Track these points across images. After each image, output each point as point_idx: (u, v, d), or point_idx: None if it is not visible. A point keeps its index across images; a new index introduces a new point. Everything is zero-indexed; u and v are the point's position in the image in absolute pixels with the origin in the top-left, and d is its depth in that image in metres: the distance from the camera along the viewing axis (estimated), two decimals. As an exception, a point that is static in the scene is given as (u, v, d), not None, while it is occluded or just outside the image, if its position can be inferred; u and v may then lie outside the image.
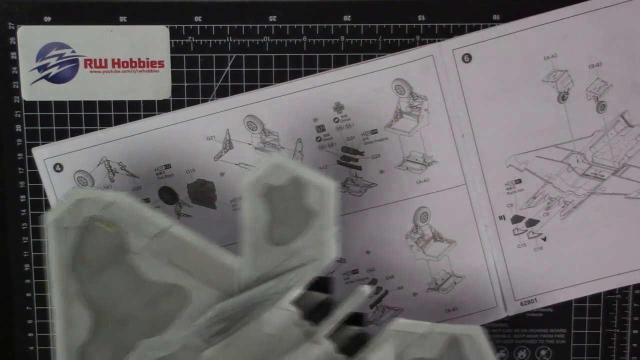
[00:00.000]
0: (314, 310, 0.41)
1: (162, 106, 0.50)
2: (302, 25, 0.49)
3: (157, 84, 0.49)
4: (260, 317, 0.39)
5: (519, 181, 0.50)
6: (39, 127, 0.50)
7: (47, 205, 0.50)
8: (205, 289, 0.41)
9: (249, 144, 0.49)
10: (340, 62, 0.49)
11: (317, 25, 0.49)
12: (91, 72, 0.49)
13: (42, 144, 0.49)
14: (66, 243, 0.41)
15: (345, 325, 0.41)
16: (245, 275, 0.41)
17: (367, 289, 0.41)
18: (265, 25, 0.49)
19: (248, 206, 0.41)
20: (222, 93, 0.49)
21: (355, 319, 0.42)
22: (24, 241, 0.50)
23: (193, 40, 0.49)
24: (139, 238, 0.41)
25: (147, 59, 0.49)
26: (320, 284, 0.41)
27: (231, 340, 0.39)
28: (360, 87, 0.49)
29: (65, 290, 0.41)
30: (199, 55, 0.49)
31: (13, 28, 0.49)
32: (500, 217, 0.50)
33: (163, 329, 0.41)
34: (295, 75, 0.49)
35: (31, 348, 0.51)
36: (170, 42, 0.49)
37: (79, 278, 0.41)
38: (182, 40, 0.49)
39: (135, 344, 0.41)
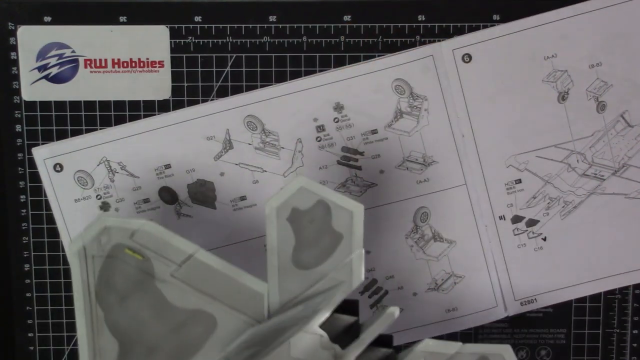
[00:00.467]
0: (342, 333, 0.41)
1: (162, 106, 0.50)
2: (302, 25, 0.49)
3: (157, 84, 0.49)
4: (288, 341, 0.39)
5: (519, 181, 0.50)
6: (39, 127, 0.50)
7: (47, 205, 0.50)
8: (232, 314, 0.41)
9: (249, 144, 0.49)
10: (340, 62, 0.49)
11: (317, 25, 0.49)
12: (91, 72, 0.49)
13: (42, 144, 0.49)
14: (93, 272, 0.41)
15: (373, 347, 0.41)
16: (272, 299, 0.41)
17: (395, 311, 0.40)
18: (265, 25, 0.49)
19: (274, 230, 0.40)
20: (222, 93, 0.49)
21: (382, 340, 0.41)
22: (24, 241, 0.50)
23: (193, 40, 0.49)
24: (165, 265, 0.41)
25: (147, 59, 0.49)
26: (346, 306, 0.41)
27: None
28: (360, 87, 0.49)
29: (91, 320, 0.41)
30: (199, 55, 0.49)
31: (13, 28, 0.49)
32: (500, 217, 0.50)
33: (190, 356, 0.40)
34: (295, 75, 0.49)
35: (31, 348, 0.51)
36: (170, 42, 0.49)
37: (104, 306, 0.41)
38: (182, 40, 0.49)
39: None
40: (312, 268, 0.40)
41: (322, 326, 0.39)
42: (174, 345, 0.41)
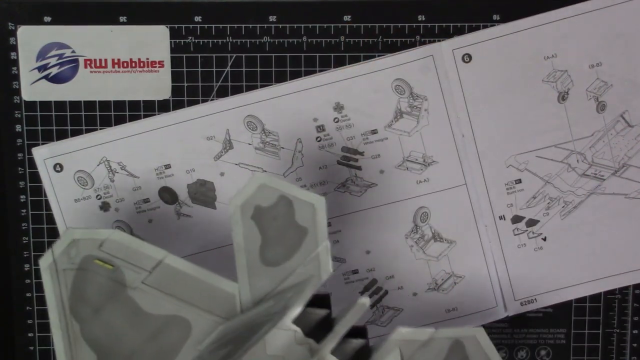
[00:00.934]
0: (315, 327, 0.41)
1: (162, 106, 0.50)
2: (302, 25, 0.49)
3: (157, 84, 0.49)
4: (262, 339, 0.39)
5: (519, 181, 0.50)
6: (39, 127, 0.50)
7: (47, 205, 0.50)
8: (206, 317, 0.41)
9: (249, 144, 0.49)
10: (340, 62, 0.49)
11: (317, 25, 0.49)
12: (91, 72, 0.49)
13: (42, 144, 0.49)
14: (65, 285, 0.41)
15: (348, 339, 0.41)
16: (244, 299, 0.41)
17: (366, 301, 0.40)
18: (265, 25, 0.49)
19: (239, 229, 0.40)
20: (222, 93, 0.49)
21: (356, 331, 0.42)
22: (24, 241, 0.50)
23: (193, 40, 0.49)
24: (135, 272, 0.41)
25: (147, 59, 0.49)
26: (318, 300, 0.41)
27: None
28: (360, 87, 0.49)
29: (67, 334, 0.41)
30: (199, 55, 0.49)
31: (13, 28, 0.49)
32: (500, 217, 0.50)
33: None
34: (295, 75, 0.49)
35: (31, 348, 0.51)
36: (170, 42, 0.49)
37: (79, 319, 0.41)
38: (182, 40, 0.49)
39: None
40: (280, 264, 0.40)
41: (296, 322, 0.39)
42: (151, 353, 0.41)
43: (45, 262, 0.41)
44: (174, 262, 0.41)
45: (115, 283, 0.41)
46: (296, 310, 0.39)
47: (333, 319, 0.41)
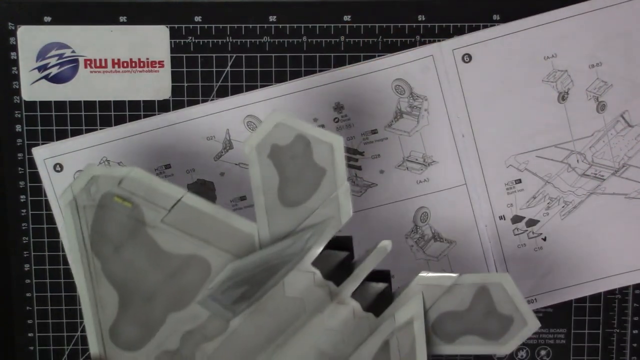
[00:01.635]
0: (335, 270, 0.40)
1: (162, 106, 0.50)
2: (302, 25, 0.49)
3: (157, 84, 0.49)
4: (281, 280, 0.39)
5: (519, 181, 0.50)
6: (39, 127, 0.50)
7: (47, 206, 0.50)
8: (225, 257, 0.40)
9: (249, 144, 0.49)
10: (340, 62, 0.49)
11: (317, 25, 0.49)
12: (91, 72, 0.49)
13: (42, 144, 0.49)
14: (85, 222, 0.40)
15: (369, 283, 0.40)
16: (263, 239, 0.40)
17: (388, 244, 0.40)
18: (265, 25, 0.49)
19: (256, 169, 0.40)
20: (222, 93, 0.49)
21: (378, 276, 0.41)
22: (24, 241, 0.50)
23: (193, 40, 0.49)
24: (154, 211, 0.40)
25: (147, 59, 0.49)
26: (338, 243, 0.41)
27: (256, 306, 0.39)
28: (360, 87, 0.49)
29: (89, 271, 0.41)
30: (199, 55, 0.49)
31: (13, 28, 0.49)
32: (500, 217, 0.50)
33: (189, 301, 0.40)
34: (295, 75, 0.49)
35: (31, 348, 0.51)
36: (170, 42, 0.49)
37: (100, 256, 0.41)
38: (182, 40, 0.49)
39: (163, 318, 0.40)
40: (299, 205, 0.40)
41: (315, 264, 0.39)
42: (171, 292, 0.40)
43: (65, 198, 0.40)
44: (193, 200, 0.40)
45: (134, 221, 0.40)
46: (315, 252, 0.39)
47: (354, 262, 0.41)
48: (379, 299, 0.41)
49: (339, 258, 0.41)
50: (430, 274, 0.40)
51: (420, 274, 0.40)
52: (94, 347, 0.41)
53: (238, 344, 0.40)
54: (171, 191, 0.40)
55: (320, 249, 0.39)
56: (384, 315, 0.40)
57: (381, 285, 0.41)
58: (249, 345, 0.40)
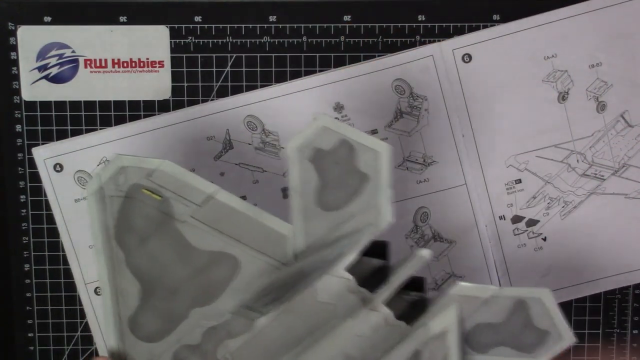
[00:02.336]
0: (370, 277, 0.40)
1: (162, 106, 0.50)
2: (302, 25, 0.49)
3: (157, 84, 0.49)
4: (314, 284, 0.38)
5: (519, 181, 0.50)
6: (39, 127, 0.50)
7: (47, 205, 0.50)
8: (256, 257, 0.39)
9: (249, 144, 0.49)
10: (340, 62, 0.49)
11: (317, 25, 0.49)
12: (91, 72, 0.49)
13: (42, 144, 0.49)
14: (111, 212, 0.40)
15: (404, 291, 0.40)
16: (297, 242, 0.39)
17: (426, 253, 0.39)
18: (265, 25, 0.49)
19: (296, 171, 0.39)
20: (222, 93, 0.49)
21: (414, 284, 0.40)
22: (24, 241, 0.50)
23: (193, 40, 0.49)
24: (184, 205, 0.39)
25: (147, 59, 0.49)
26: (375, 250, 0.40)
27: (285, 307, 0.38)
28: (360, 87, 0.49)
29: (112, 260, 0.40)
30: (199, 55, 0.49)
31: (13, 28, 0.49)
32: (500, 217, 0.50)
33: (214, 298, 0.40)
34: (295, 75, 0.49)
35: (31, 348, 0.51)
36: (170, 42, 0.49)
37: (125, 247, 0.40)
38: (182, 40, 0.49)
39: (186, 312, 0.40)
40: (337, 209, 0.39)
41: (350, 270, 0.38)
42: (196, 288, 0.40)
43: (91, 187, 0.39)
44: (226, 197, 0.39)
45: (163, 214, 0.39)
46: (350, 257, 0.38)
47: (389, 268, 0.40)
48: (413, 307, 0.40)
49: (374, 265, 0.40)
50: (469, 285, 0.39)
51: (460, 283, 0.39)
52: (111, 339, 0.40)
53: (263, 343, 0.39)
54: (203, 186, 0.39)
55: (356, 255, 0.38)
56: (417, 324, 0.39)
57: (417, 294, 0.40)
58: (274, 345, 0.39)
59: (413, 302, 0.40)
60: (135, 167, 0.39)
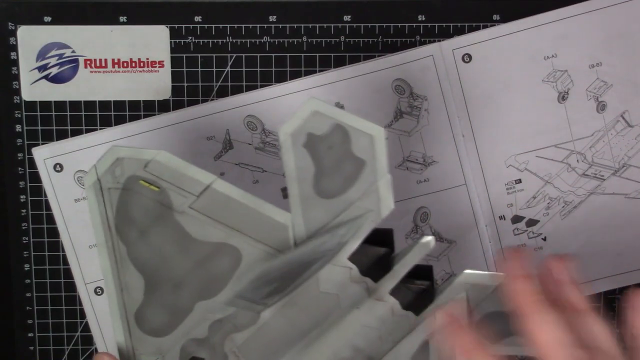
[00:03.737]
0: (372, 265, 0.39)
1: (162, 106, 0.50)
2: (302, 25, 0.49)
3: (157, 84, 0.49)
4: (316, 276, 0.37)
5: (519, 181, 0.50)
6: (39, 127, 0.50)
7: (47, 205, 0.50)
8: (257, 247, 0.39)
9: (249, 144, 0.49)
10: (340, 62, 0.49)
11: (317, 25, 0.49)
12: (91, 72, 0.49)
13: (42, 144, 0.49)
14: (110, 204, 0.39)
15: (409, 280, 0.39)
16: (297, 230, 0.39)
17: (431, 240, 0.38)
18: (265, 25, 0.49)
19: (290, 157, 0.38)
20: (222, 93, 0.49)
21: (419, 272, 0.39)
22: (24, 241, 0.50)
23: (193, 40, 0.49)
24: (182, 196, 0.38)
25: (147, 59, 0.49)
26: (378, 237, 0.39)
27: (288, 300, 0.38)
28: (360, 87, 0.49)
29: (114, 254, 0.39)
30: (199, 55, 0.49)
31: (13, 28, 0.49)
32: (500, 217, 0.50)
33: (218, 290, 0.39)
34: (295, 75, 0.49)
35: (31, 348, 0.51)
36: (170, 42, 0.49)
37: (126, 240, 0.39)
38: (182, 40, 0.49)
39: (191, 305, 0.39)
40: (335, 196, 0.38)
41: (352, 259, 0.37)
42: (200, 280, 0.39)
43: (89, 180, 0.38)
44: (223, 187, 0.39)
45: (161, 206, 0.39)
46: (352, 246, 0.37)
47: (394, 257, 0.39)
48: (420, 297, 0.39)
49: (378, 253, 0.39)
50: (476, 272, 0.38)
51: (465, 271, 0.38)
52: (119, 334, 0.39)
53: (269, 336, 0.39)
54: (200, 176, 0.39)
55: (358, 243, 0.37)
56: (424, 314, 0.38)
57: (422, 283, 0.39)
58: (280, 338, 0.39)
59: (419, 292, 0.40)
60: (132, 158, 0.39)
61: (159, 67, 0.49)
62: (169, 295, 0.39)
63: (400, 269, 0.38)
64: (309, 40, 0.49)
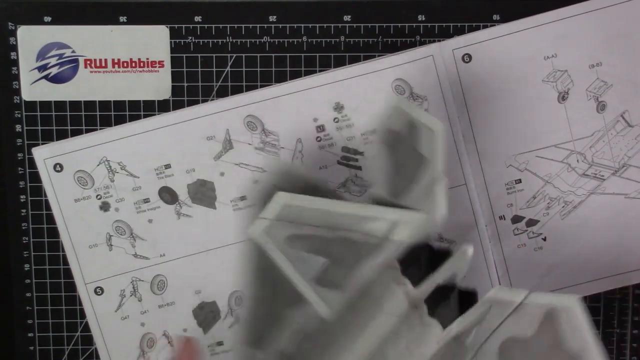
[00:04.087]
0: (410, 260, 0.37)
1: (162, 106, 0.50)
2: (302, 25, 0.49)
3: (157, 84, 0.49)
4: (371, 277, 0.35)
5: (519, 181, 0.50)
6: (39, 127, 0.50)
7: (47, 205, 0.50)
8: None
9: (249, 144, 0.49)
10: (340, 62, 0.49)
11: (317, 25, 0.49)
12: (91, 72, 0.49)
13: (42, 144, 0.49)
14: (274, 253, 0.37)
15: (447, 293, 0.38)
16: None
17: (469, 249, 0.37)
18: (265, 25, 0.49)
19: (377, 157, 0.37)
20: (222, 93, 0.49)
21: (466, 296, 0.38)
22: (24, 241, 0.50)
23: (193, 40, 0.49)
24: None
25: (147, 59, 0.49)
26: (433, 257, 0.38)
27: (347, 301, 0.36)
28: (360, 87, 0.49)
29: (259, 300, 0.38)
30: (199, 55, 0.49)
31: (13, 28, 0.49)
32: (500, 217, 0.50)
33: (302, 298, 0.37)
34: (295, 75, 0.49)
35: (31, 348, 0.51)
36: (170, 42, 0.49)
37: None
38: (182, 40, 0.49)
39: (283, 314, 0.37)
40: (403, 196, 0.37)
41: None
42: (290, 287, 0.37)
43: (260, 227, 0.36)
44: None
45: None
46: (402, 247, 0.35)
47: (424, 253, 0.38)
48: (447, 306, 0.38)
49: (417, 253, 0.38)
50: (503, 288, 0.37)
51: (495, 288, 0.37)
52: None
53: (331, 341, 0.37)
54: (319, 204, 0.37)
55: (407, 244, 0.36)
56: (451, 329, 0.37)
57: (451, 291, 0.38)
58: (335, 340, 0.37)
59: (446, 299, 0.38)
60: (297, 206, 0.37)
61: (159, 67, 0.49)
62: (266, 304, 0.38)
63: (438, 278, 0.37)
64: (309, 40, 0.49)
